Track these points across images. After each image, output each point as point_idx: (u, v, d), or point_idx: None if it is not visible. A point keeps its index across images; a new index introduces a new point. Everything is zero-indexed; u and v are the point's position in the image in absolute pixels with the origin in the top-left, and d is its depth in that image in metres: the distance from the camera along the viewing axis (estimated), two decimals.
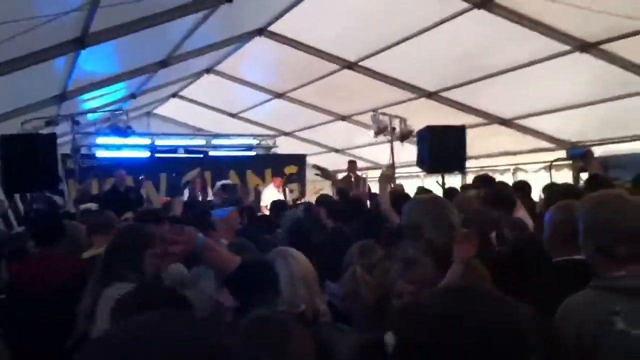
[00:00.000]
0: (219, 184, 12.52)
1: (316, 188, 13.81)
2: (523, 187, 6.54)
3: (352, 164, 11.72)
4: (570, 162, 9.92)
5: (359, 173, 11.91)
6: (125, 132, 10.94)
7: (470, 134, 9.36)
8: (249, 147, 15.07)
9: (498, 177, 10.52)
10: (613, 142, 9.44)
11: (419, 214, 3.38)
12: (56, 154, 8.43)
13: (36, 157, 7.88)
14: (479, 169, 11.12)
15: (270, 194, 12.13)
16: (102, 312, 2.82)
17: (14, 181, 8.04)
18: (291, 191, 14.36)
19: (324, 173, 7.55)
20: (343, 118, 13.01)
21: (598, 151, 8.87)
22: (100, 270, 3.20)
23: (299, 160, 15.00)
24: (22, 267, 4.40)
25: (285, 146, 15.10)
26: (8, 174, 7.91)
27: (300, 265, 3.17)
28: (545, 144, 10.79)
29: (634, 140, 9.18)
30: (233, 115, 14.61)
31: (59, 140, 8.91)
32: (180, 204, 8.88)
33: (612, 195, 2.47)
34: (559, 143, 10.52)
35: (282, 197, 11.54)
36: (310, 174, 14.98)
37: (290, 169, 14.79)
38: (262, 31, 9.39)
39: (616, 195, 2.43)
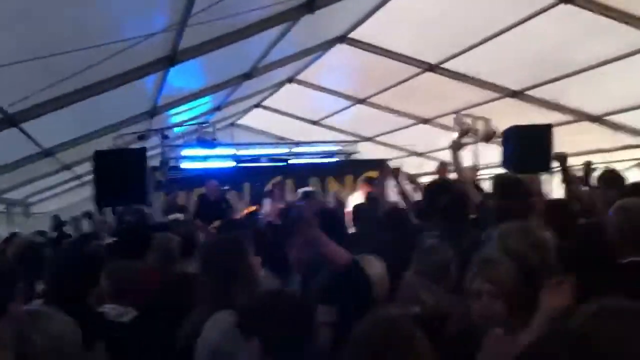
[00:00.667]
0: (299, 191, 12.67)
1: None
2: None
3: (442, 167, 11.26)
4: None
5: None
6: (211, 143, 11.21)
7: (557, 133, 9.07)
8: (331, 154, 15.14)
9: None
10: None
11: None
12: (146, 168, 8.71)
13: (127, 171, 8.16)
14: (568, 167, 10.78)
15: (357, 200, 12.13)
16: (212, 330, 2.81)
17: (105, 195, 8.33)
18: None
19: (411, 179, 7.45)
20: (425, 121, 12.90)
21: None
22: (210, 298, 3.09)
23: (380, 164, 14.96)
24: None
25: (367, 151, 15.09)
26: (100, 188, 8.22)
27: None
28: (637, 140, 10.37)
29: None
30: (314, 123, 14.73)
31: (150, 153, 9.22)
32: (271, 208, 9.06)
33: None
34: None
35: None
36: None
37: (372, 174, 14.76)
38: (342, 39, 9.46)
39: None
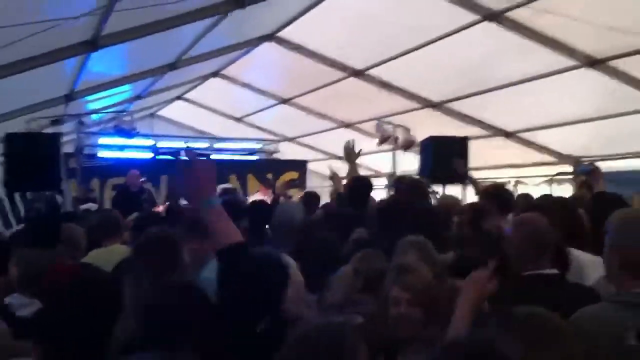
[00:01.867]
0: (219, 187, 12.55)
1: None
2: None
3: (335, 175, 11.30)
4: (572, 176, 9.99)
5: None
6: (129, 133, 10.93)
7: (473, 146, 9.38)
8: (252, 152, 15.07)
9: None
10: (617, 158, 9.47)
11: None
12: (59, 154, 8.43)
13: (39, 156, 7.87)
14: (480, 180, 11.14)
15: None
16: None
17: (16, 179, 8.03)
18: (290, 197, 14.35)
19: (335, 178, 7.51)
20: (347, 125, 13.03)
21: (602, 167, 8.92)
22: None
23: (300, 166, 15.02)
24: None
25: (288, 152, 15.12)
26: (10, 172, 7.91)
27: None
28: (549, 157, 10.82)
29: (638, 157, 9.23)
30: (237, 119, 14.61)
31: (64, 139, 8.92)
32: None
33: None
34: (562, 157, 10.55)
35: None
36: (311, 181, 15.03)
37: (291, 175, 14.80)
38: (271, 37, 9.42)
39: None
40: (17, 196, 11.74)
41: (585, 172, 5.79)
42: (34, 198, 10.94)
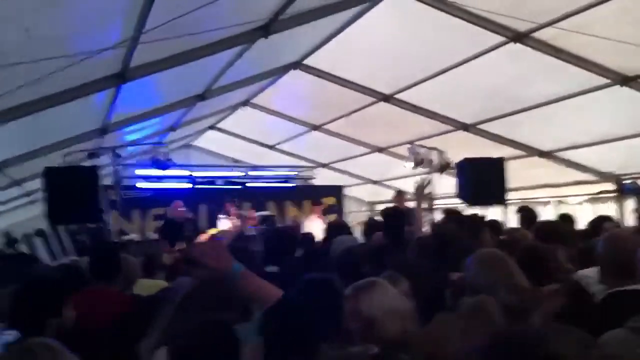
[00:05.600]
0: (257, 214, 12.68)
1: (356, 219, 13.80)
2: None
3: (399, 195, 11.49)
4: (615, 194, 9.78)
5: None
6: (165, 164, 11.11)
7: (509, 166, 9.25)
8: (287, 179, 15.17)
9: (540, 209, 10.36)
10: None
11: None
12: (98, 186, 8.58)
13: (79, 189, 8.02)
14: (520, 200, 10.95)
15: (312, 223, 12.19)
16: None
17: (58, 212, 8.19)
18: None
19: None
20: (380, 150, 13.02)
21: None
22: None
23: (337, 191, 15.07)
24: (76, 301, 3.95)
25: (322, 177, 15.16)
26: (52, 205, 8.07)
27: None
28: (588, 176, 10.59)
29: None
30: (270, 147, 14.71)
31: (101, 172, 9.07)
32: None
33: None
34: (602, 175, 10.32)
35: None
36: (348, 206, 15.02)
37: (328, 200, 14.86)
38: (297, 65, 9.47)
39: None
40: (60, 229, 12.03)
41: (631, 191, 5.60)
42: (77, 230, 11.19)
